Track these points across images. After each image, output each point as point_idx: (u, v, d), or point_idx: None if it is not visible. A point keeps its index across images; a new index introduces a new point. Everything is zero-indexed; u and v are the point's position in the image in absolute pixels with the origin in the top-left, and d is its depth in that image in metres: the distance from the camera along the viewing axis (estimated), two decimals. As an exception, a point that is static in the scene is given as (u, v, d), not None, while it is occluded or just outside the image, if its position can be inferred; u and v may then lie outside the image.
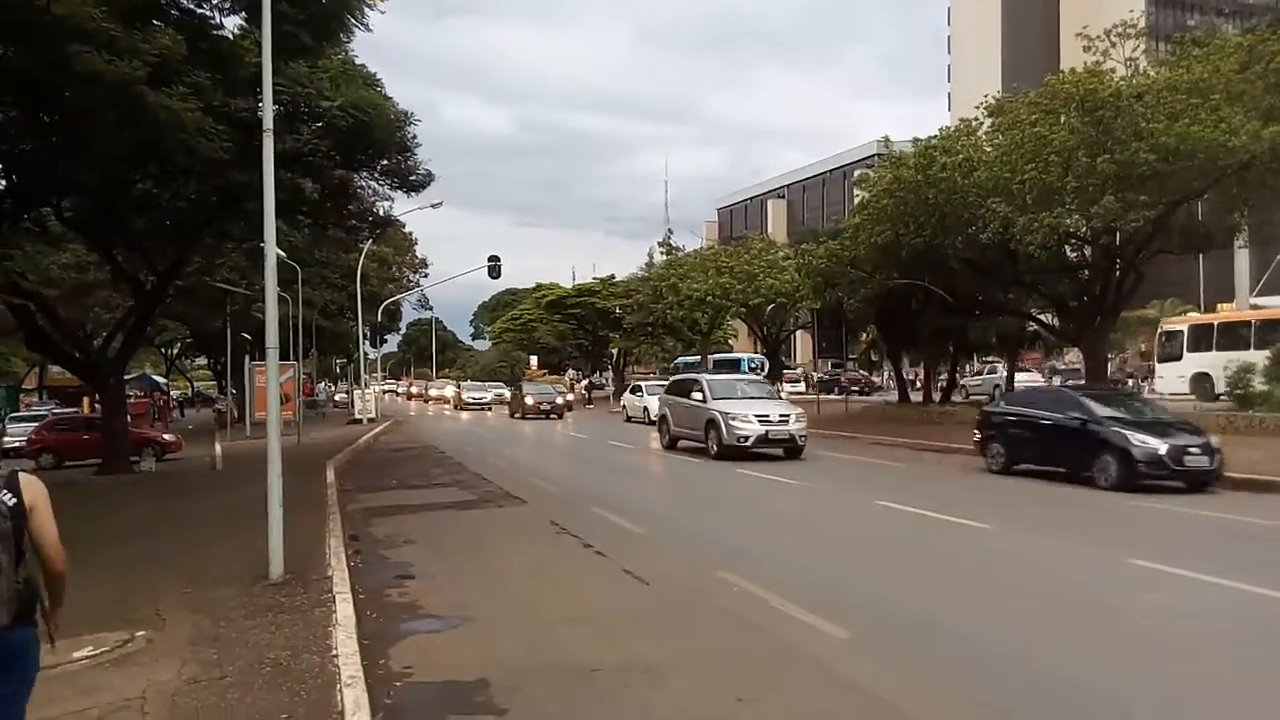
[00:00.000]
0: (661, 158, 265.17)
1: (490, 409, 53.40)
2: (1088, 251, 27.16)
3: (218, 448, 21.43)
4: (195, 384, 78.27)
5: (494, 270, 40.41)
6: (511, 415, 42.52)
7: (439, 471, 19.53)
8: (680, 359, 64.53)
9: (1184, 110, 20.60)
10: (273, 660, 6.25)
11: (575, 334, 71.53)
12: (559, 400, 41.98)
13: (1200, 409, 24.08)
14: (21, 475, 3.54)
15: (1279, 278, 58.92)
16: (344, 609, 7.40)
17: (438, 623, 7.49)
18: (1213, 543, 10.64)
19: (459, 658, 6.55)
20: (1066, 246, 26.59)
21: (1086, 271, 27.60)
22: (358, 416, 38.23)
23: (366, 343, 52.39)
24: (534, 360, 76.77)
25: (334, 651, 6.30)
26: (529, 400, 41.49)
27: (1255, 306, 52.36)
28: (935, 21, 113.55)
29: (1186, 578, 8.36)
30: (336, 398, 62.26)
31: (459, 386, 66.15)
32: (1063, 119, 22.55)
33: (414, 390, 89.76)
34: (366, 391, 41.88)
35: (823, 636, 6.76)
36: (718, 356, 57.49)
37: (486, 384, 65.12)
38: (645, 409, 34.92)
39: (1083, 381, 28.58)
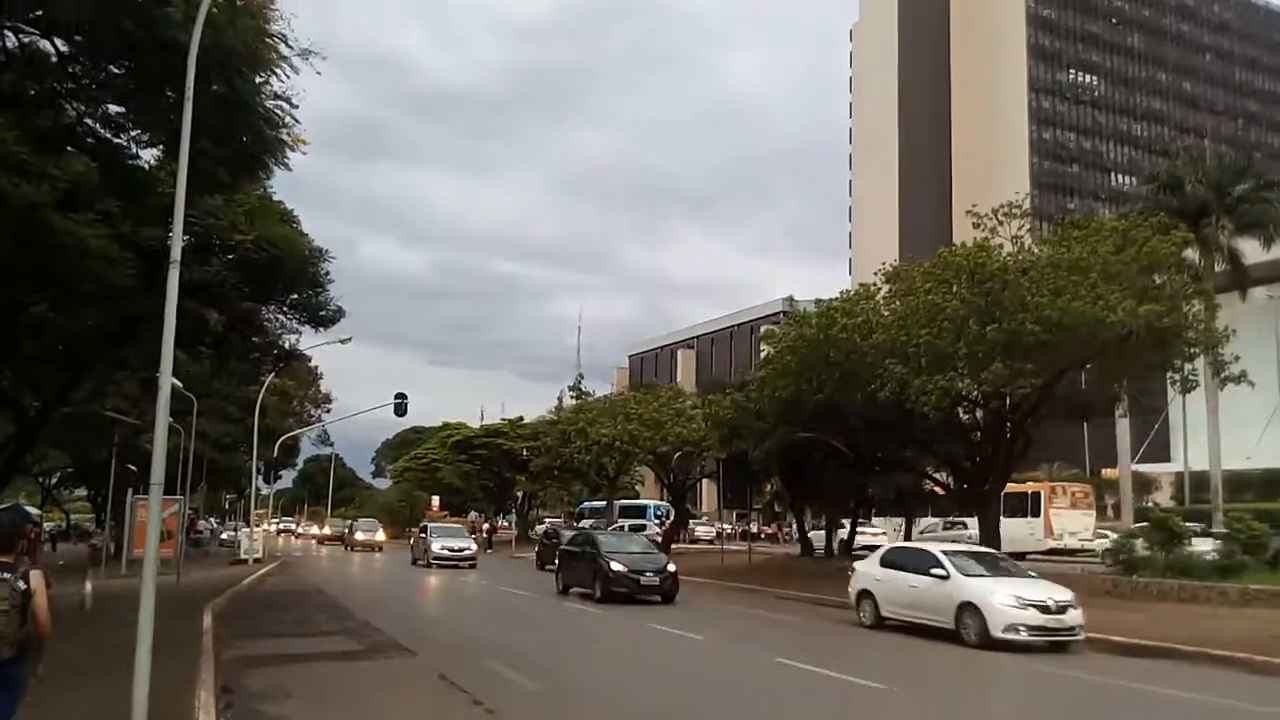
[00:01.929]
0: (576, 303, 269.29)
1: (379, 550, 51.32)
2: (979, 414, 28.23)
3: (88, 585, 20.09)
4: (72, 516, 74.01)
5: (400, 408, 39.92)
6: (414, 562, 38.94)
7: (325, 618, 18.63)
8: (586, 504, 63.98)
9: (1066, 286, 21.98)
10: (125, 826, 5.76)
11: (480, 475, 70.45)
12: (471, 549, 37.66)
13: (1086, 571, 24.78)
14: (31, 572, 5.79)
15: (1157, 447, 62.08)
16: (210, 768, 6.91)
17: (312, 785, 7.04)
18: (1094, 710, 10.78)
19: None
20: (959, 409, 27.62)
21: (979, 433, 28.61)
22: (243, 556, 36.48)
23: (259, 478, 50.55)
24: (436, 501, 75.06)
25: (194, 817, 5.85)
26: (435, 548, 36.74)
27: (1136, 474, 54.88)
28: (839, 191, 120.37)
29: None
30: (224, 535, 59.28)
31: (349, 525, 62.95)
32: (954, 288, 23.79)
33: (315, 531, 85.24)
34: (254, 530, 40.14)
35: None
36: (624, 502, 57.20)
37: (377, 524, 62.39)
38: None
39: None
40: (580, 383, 51.44)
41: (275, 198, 21.05)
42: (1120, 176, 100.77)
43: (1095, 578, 23.00)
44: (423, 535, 39.86)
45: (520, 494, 71.18)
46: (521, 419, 66.14)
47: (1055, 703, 11.14)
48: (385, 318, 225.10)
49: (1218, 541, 23.86)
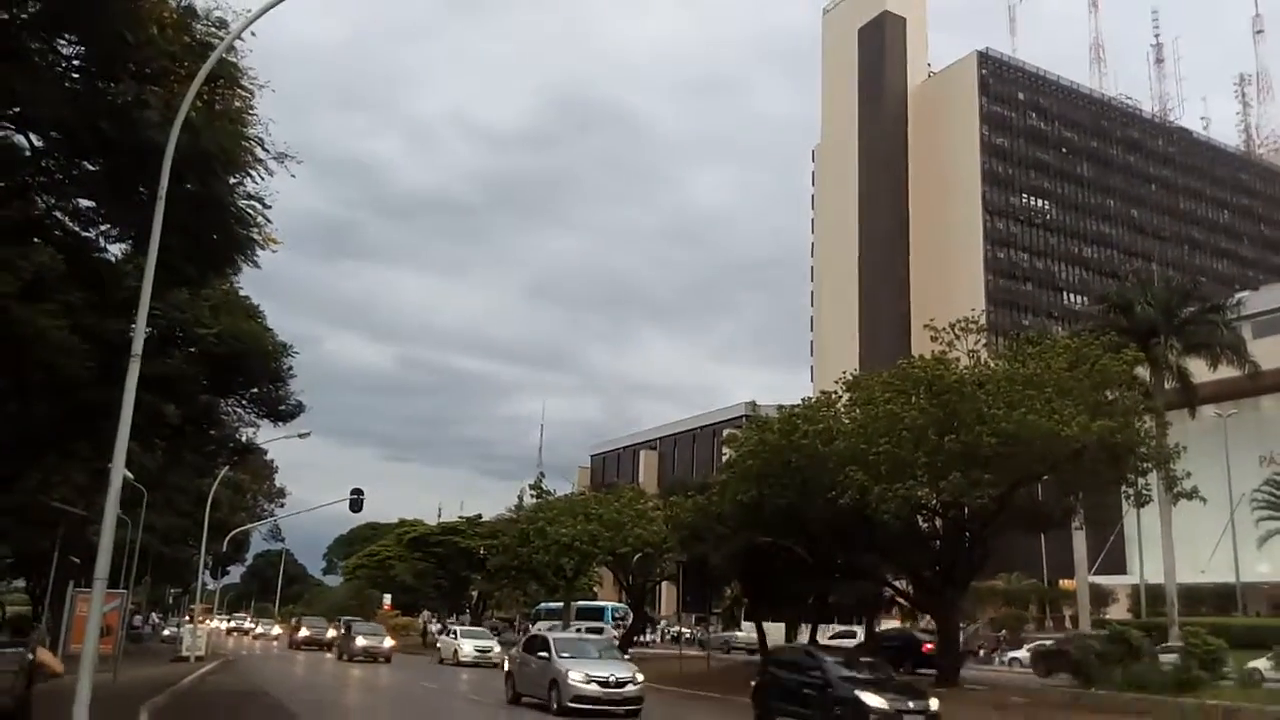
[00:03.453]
0: (539, 402, 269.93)
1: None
2: (939, 523, 28.39)
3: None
4: (8, 609, 71.25)
5: (356, 504, 39.22)
6: (340, 657, 41.21)
7: (269, 723, 18.02)
8: (543, 604, 62.67)
9: (1021, 400, 22.48)
10: None
11: (435, 573, 69.02)
12: (387, 644, 41.25)
13: (1044, 685, 24.63)
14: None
15: (1113, 558, 62.45)
16: None
17: None
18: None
19: None
20: (919, 517, 27.78)
21: (938, 542, 28.71)
22: (185, 653, 35.19)
23: (207, 573, 49.15)
24: (388, 599, 73.22)
25: None
26: (358, 642, 40.61)
27: (1093, 585, 54.99)
28: (801, 301, 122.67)
29: None
30: (165, 631, 57.13)
31: (343, 625, 59.32)
32: (913, 399, 24.23)
33: (275, 631, 79.13)
34: (197, 626, 38.83)
35: None
36: (581, 604, 56.13)
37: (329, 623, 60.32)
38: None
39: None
40: (541, 481, 51.00)
41: (242, 292, 21.14)
42: (1072, 295, 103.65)
43: (1054, 691, 22.85)
44: (346, 630, 44.46)
45: (475, 593, 69.71)
46: (480, 517, 65.34)
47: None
48: (346, 413, 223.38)
49: (1174, 655, 23.91)
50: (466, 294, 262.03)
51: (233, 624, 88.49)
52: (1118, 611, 59.34)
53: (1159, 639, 31.76)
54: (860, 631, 33.13)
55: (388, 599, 73.44)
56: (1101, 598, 60.74)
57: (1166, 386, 36.74)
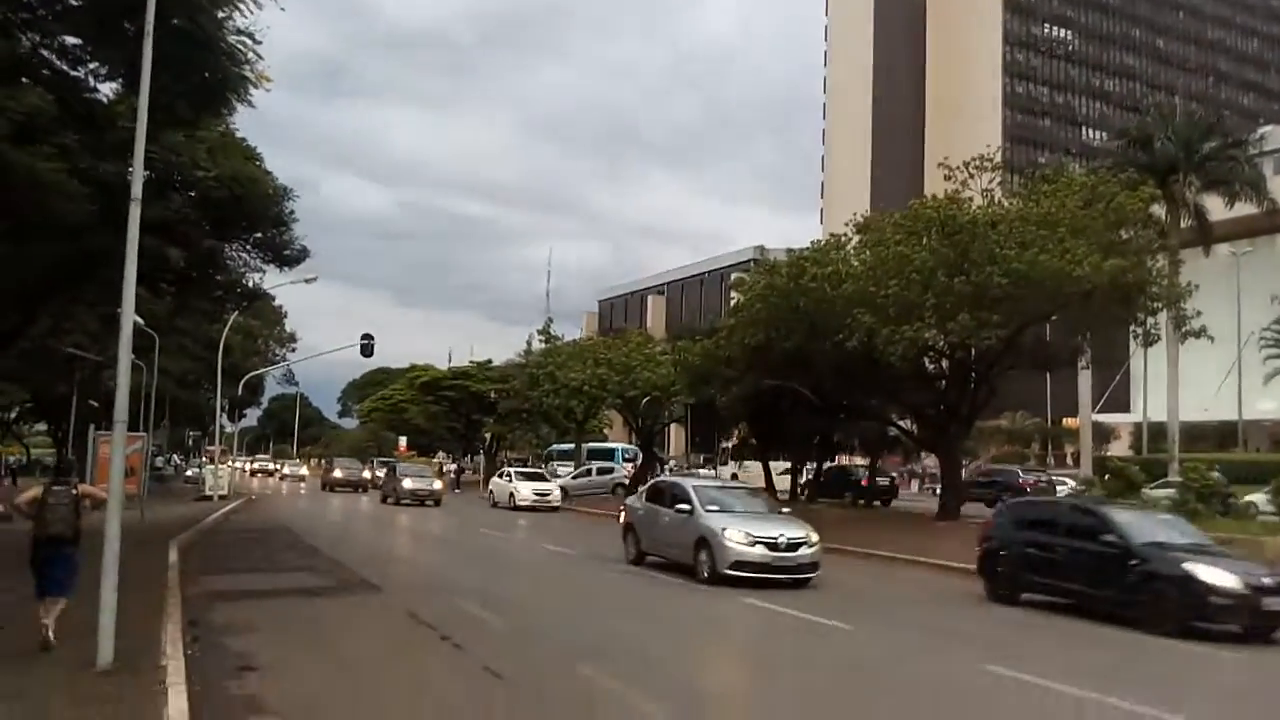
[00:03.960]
0: (545, 247, 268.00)
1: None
2: (945, 364, 28.58)
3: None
4: (32, 450, 73.23)
5: (366, 349, 39.66)
6: (384, 500, 38.56)
7: (292, 555, 18.71)
8: (554, 446, 64.22)
9: (1034, 240, 22.19)
10: (91, 758, 5.80)
11: (448, 417, 70.35)
12: (436, 486, 38.46)
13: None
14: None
15: (1117, 398, 63.23)
16: (176, 702, 6.96)
17: None
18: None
19: (297, 758, 6.23)
20: (925, 358, 27.94)
21: (944, 383, 28.99)
22: (208, 493, 36.36)
23: (224, 416, 50.17)
24: (403, 441, 75.00)
25: (161, 749, 5.91)
26: (406, 484, 37.57)
27: (1096, 424, 55.93)
28: (812, 141, 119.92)
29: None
30: (188, 472, 58.86)
31: (327, 463, 57.63)
32: (924, 240, 23.95)
33: (303, 472, 72.70)
34: (219, 466, 39.97)
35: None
36: (592, 446, 57.48)
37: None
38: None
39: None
40: (549, 326, 51.36)
41: (239, 134, 20.60)
42: (1091, 131, 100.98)
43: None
44: (391, 473, 41.10)
45: (488, 436, 71.27)
46: (489, 362, 65.89)
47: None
48: (351, 257, 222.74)
49: (1173, 490, 24.46)
50: (465, 134, 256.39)
51: (257, 465, 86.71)
52: (1119, 449, 60.58)
53: (1159, 475, 32.50)
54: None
55: (403, 441, 75.26)
56: (1104, 436, 61.92)
57: (1182, 225, 36.24)
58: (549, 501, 34.98)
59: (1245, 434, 56.20)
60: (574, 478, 44.64)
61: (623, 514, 18.98)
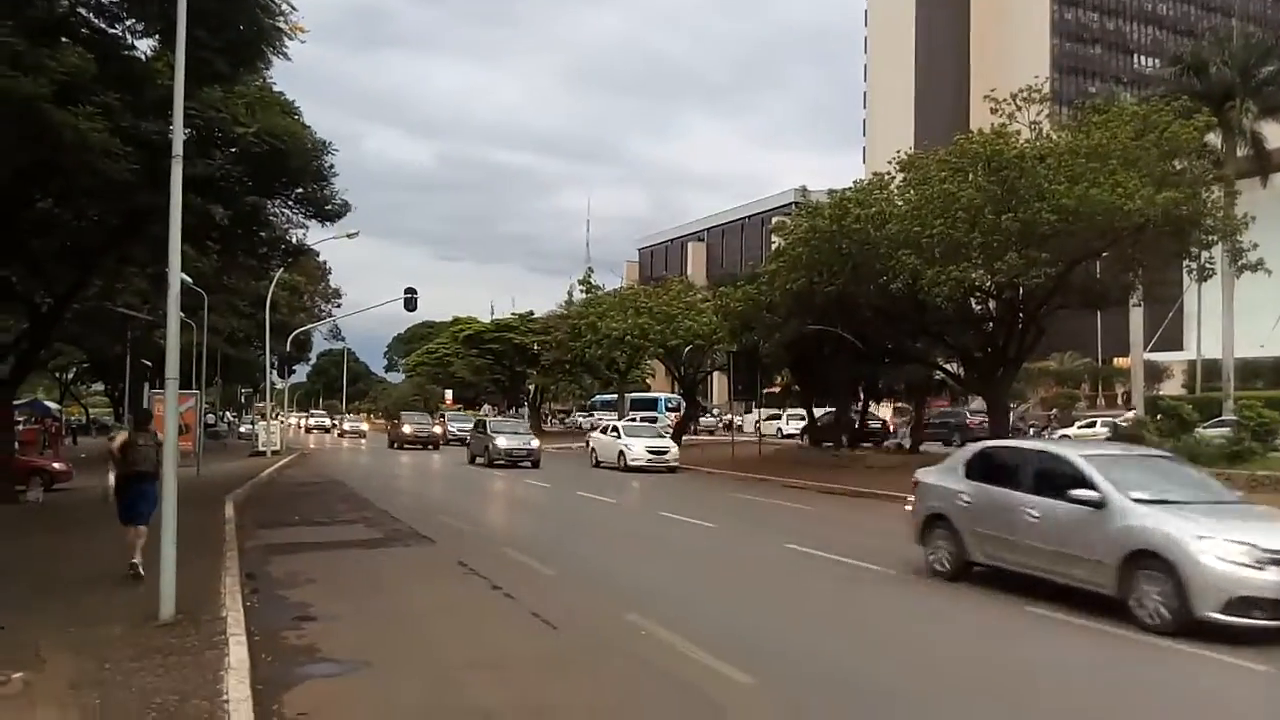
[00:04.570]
0: (584, 196, 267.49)
1: (436, 447, 44.74)
2: (992, 305, 28.08)
3: (111, 478, 20.53)
4: (90, 411, 75.17)
5: (410, 303, 39.89)
6: (472, 460, 33.44)
7: (344, 508, 19.03)
8: (598, 396, 64.63)
9: (1084, 174, 21.57)
10: (159, 706, 5.96)
11: (491, 369, 70.94)
12: (535, 444, 32.22)
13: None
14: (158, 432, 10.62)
15: (1169, 336, 61.82)
16: (237, 652, 7.13)
17: (336, 667, 7.27)
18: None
19: (357, 704, 6.36)
20: (972, 299, 27.46)
21: (991, 324, 28.50)
22: (261, 449, 37.13)
23: (274, 372, 50.90)
24: (449, 394, 75.83)
25: (225, 697, 6.05)
26: (500, 443, 31.76)
27: (1148, 362, 54.85)
28: (854, 77, 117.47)
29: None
30: (242, 429, 60.03)
31: (394, 418, 53.28)
32: (970, 177, 23.39)
33: (363, 427, 68.91)
34: (271, 423, 40.71)
35: (729, 683, 6.76)
36: (635, 396, 57.72)
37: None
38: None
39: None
40: (590, 276, 51.32)
41: (276, 89, 20.58)
42: (1143, 58, 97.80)
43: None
44: (481, 431, 34.79)
45: (532, 387, 71.76)
46: (531, 313, 66.16)
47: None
48: (392, 212, 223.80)
49: (1227, 429, 23.99)
50: (504, 83, 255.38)
51: (313, 421, 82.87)
52: (1172, 388, 59.37)
53: (1214, 413, 31.83)
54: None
55: (449, 394, 76.07)
56: (1156, 375, 60.70)
57: (1238, 153, 35.06)
58: (665, 461, 29.97)
59: (1303, 370, 54.75)
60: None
61: (914, 497, 11.91)
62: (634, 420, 37.26)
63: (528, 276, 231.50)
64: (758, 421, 43.49)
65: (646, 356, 51.24)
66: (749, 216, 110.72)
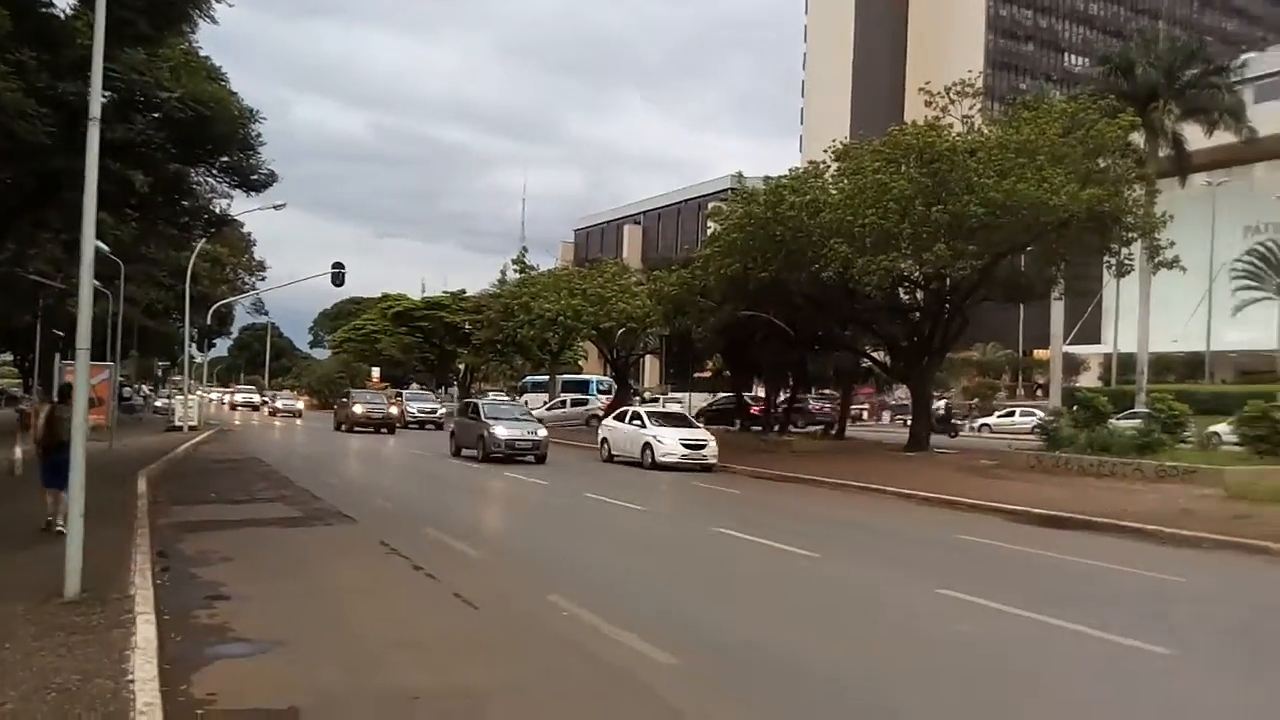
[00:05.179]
0: (521, 174, 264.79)
1: (391, 431, 40.74)
2: (920, 295, 28.63)
3: (18, 451, 19.74)
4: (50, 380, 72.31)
5: (337, 278, 39.15)
6: (456, 453, 27.34)
7: (263, 486, 18.59)
8: (528, 378, 64.24)
9: (1012, 168, 22.06)
10: (59, 686, 5.72)
11: (421, 348, 70.08)
12: (542, 434, 26.11)
13: (1014, 448, 25.70)
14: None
15: (1088, 329, 63.73)
16: (145, 630, 6.89)
17: (249, 647, 7.08)
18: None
19: (270, 684, 6.19)
20: (900, 289, 27.97)
21: (918, 314, 29.07)
22: (178, 424, 36.07)
23: (193, 346, 49.52)
24: (376, 372, 74.69)
25: (130, 677, 5.84)
26: (499, 432, 25.34)
27: (1067, 355, 56.51)
28: (793, 66, 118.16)
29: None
30: (157, 403, 58.09)
31: (341, 396, 47.84)
32: (903, 168, 23.76)
33: (298, 405, 61.87)
34: (188, 396, 39.56)
35: (652, 663, 6.75)
36: (566, 377, 57.54)
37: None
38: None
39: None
40: (524, 256, 50.94)
41: (202, 54, 19.97)
42: (1074, 57, 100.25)
43: (1022, 454, 23.84)
44: (473, 415, 27.73)
45: (462, 367, 71.12)
46: (464, 292, 65.48)
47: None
48: (324, 184, 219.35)
49: (1139, 420, 24.81)
50: (442, 57, 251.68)
51: (240, 397, 73.85)
52: (1089, 380, 61.34)
53: (1127, 405, 32.95)
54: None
55: (376, 372, 74.96)
56: (1074, 367, 62.64)
57: (1160, 154, 36.20)
58: (704, 459, 24.46)
59: (1212, 365, 57.00)
60: (548, 409, 44.70)
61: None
62: (669, 411, 29.78)
63: (463, 255, 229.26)
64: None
65: (579, 338, 51.14)
66: (685, 201, 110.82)
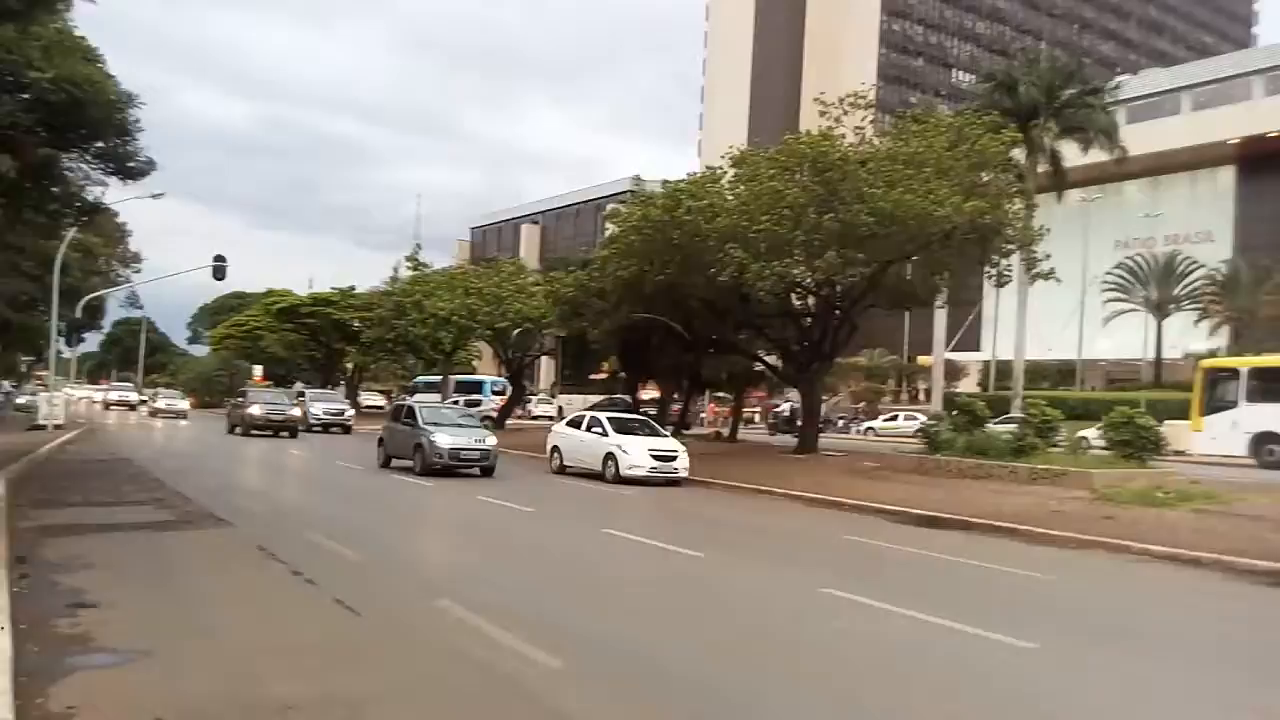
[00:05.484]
0: (417, 170, 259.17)
1: (293, 435, 36.59)
2: (811, 301, 29.22)
3: None
4: None
5: (219, 271, 37.74)
6: (385, 463, 23.85)
7: (133, 488, 17.70)
8: (420, 378, 63.11)
9: (900, 179, 22.69)
10: (-104, 704, 5.32)
11: (307, 345, 68.10)
12: (491, 443, 23.01)
13: (897, 450, 26.48)
14: None
15: (968, 337, 66.27)
16: (-2, 641, 6.47)
17: (113, 657, 6.71)
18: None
19: (134, 696, 5.87)
20: (793, 295, 28.48)
21: (809, 319, 29.65)
22: (42, 422, 34.11)
23: (61, 340, 46.90)
24: (258, 370, 72.22)
25: (-21, 692, 5.47)
26: (441, 441, 22.00)
27: (948, 361, 58.64)
28: (693, 70, 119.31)
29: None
30: (19, 400, 54.61)
31: (236, 395, 43.31)
32: (797, 176, 24.19)
33: (181, 406, 55.42)
34: (55, 394, 37.48)
35: (538, 667, 6.67)
36: (460, 377, 56.77)
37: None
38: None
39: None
40: (418, 253, 49.99)
41: (78, 33, 18.94)
42: (961, 73, 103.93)
43: (904, 456, 24.56)
44: (407, 420, 23.97)
45: (350, 366, 69.44)
46: (353, 288, 63.81)
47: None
48: (209, 175, 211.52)
49: (1014, 425, 25.86)
50: (335, 48, 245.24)
51: (115, 395, 68.58)
52: (968, 386, 63.77)
53: (1004, 411, 34.33)
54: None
55: (258, 370, 72.50)
56: (955, 373, 65.05)
57: (1039, 170, 37.83)
58: (674, 470, 22.00)
59: (1083, 373, 60.01)
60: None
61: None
62: (626, 416, 25.97)
63: (355, 251, 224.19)
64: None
65: (474, 338, 50.50)
66: (584, 202, 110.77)
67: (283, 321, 66.14)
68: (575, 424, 24.86)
